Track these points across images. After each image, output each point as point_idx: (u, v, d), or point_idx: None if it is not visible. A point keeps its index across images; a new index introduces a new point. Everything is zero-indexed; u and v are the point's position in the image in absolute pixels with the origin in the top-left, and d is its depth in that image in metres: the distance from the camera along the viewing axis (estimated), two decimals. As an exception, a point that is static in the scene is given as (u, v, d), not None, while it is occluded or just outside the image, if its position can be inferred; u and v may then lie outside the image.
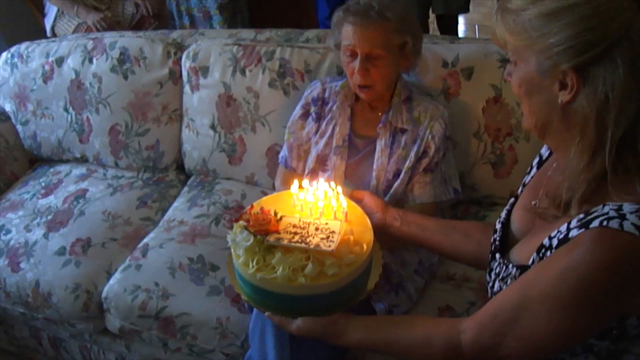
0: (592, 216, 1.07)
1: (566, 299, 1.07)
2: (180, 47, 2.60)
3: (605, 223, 1.03)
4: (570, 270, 1.06)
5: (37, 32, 3.97)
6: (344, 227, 1.47)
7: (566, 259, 1.07)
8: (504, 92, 2.09)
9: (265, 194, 2.36)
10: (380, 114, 2.00)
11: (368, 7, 1.85)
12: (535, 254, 1.17)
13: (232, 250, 1.47)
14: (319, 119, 2.09)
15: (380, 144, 1.97)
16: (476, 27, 5.43)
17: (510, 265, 1.25)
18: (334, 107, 2.06)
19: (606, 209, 1.06)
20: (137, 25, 4.01)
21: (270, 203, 1.56)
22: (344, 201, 1.54)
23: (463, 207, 2.25)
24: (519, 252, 1.27)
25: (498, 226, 1.40)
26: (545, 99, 1.14)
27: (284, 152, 2.16)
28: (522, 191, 1.42)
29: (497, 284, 1.29)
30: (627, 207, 1.04)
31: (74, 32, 3.83)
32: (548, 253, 1.13)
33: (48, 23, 4.05)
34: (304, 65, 2.33)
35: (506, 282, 1.25)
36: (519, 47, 1.14)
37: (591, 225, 1.05)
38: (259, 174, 2.48)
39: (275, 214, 1.48)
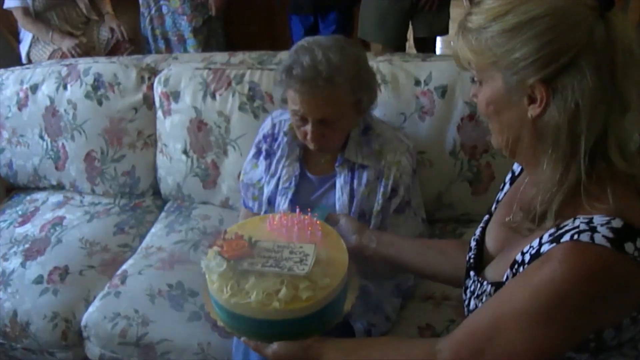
0: (563, 230, 1.06)
1: (540, 315, 1.06)
2: (154, 72, 2.59)
3: (576, 237, 1.03)
4: (542, 286, 1.04)
5: (11, 59, 3.95)
6: (318, 250, 1.46)
7: (538, 274, 1.06)
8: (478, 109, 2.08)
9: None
10: (336, 150, 1.88)
11: (315, 74, 1.66)
12: (509, 270, 1.16)
13: (206, 276, 1.46)
14: (269, 156, 1.97)
15: (339, 182, 1.86)
16: (452, 44, 5.46)
17: (485, 282, 1.24)
18: (283, 145, 1.94)
19: (577, 222, 1.05)
20: (113, 50, 4.03)
21: (244, 228, 1.55)
22: (317, 224, 1.53)
23: (440, 225, 2.26)
24: (494, 269, 1.27)
25: (473, 244, 1.39)
26: (515, 116, 1.13)
27: (242, 193, 2.10)
28: (495, 208, 1.41)
29: (472, 302, 1.28)
30: (597, 220, 1.04)
31: (49, 58, 3.84)
32: (521, 269, 1.12)
33: (23, 49, 4.06)
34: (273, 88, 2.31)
35: (481, 299, 1.24)
36: (483, 66, 1.13)
37: (562, 240, 1.04)
38: (233, 197, 2.47)
39: (250, 238, 1.47)
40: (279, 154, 1.95)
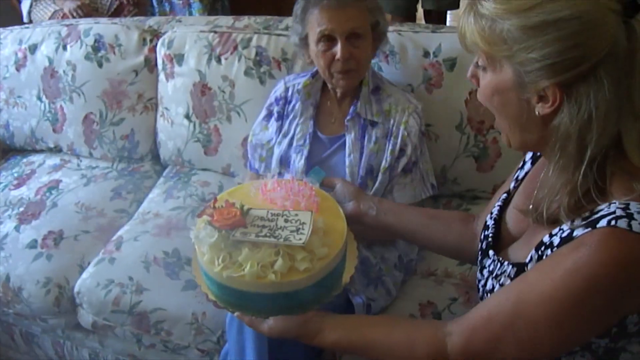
0: (598, 215, 1.02)
1: (569, 301, 1.02)
2: (156, 34, 2.55)
3: (613, 222, 0.99)
4: (575, 272, 1.01)
5: (13, 19, 3.87)
6: (315, 218, 1.36)
7: (570, 259, 1.02)
8: (489, 80, 2.04)
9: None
10: (347, 107, 1.94)
11: None
12: (533, 252, 1.12)
13: (196, 247, 1.37)
14: (281, 118, 2.03)
15: (350, 138, 1.91)
16: (460, 22, 5.39)
17: (506, 263, 1.20)
18: (297, 106, 2.00)
19: (612, 207, 1.01)
20: (116, 12, 3.95)
21: (235, 195, 1.45)
22: (313, 190, 1.45)
23: (445, 201, 2.22)
24: (516, 250, 1.23)
25: (490, 222, 1.34)
26: (521, 111, 1.10)
27: (249, 155, 2.12)
28: (514, 187, 1.36)
29: (489, 282, 1.24)
30: (634, 207, 1.00)
31: (50, 18, 3.76)
32: (548, 252, 1.08)
33: (24, 9, 3.98)
34: (281, 53, 2.28)
35: (500, 280, 1.20)
36: (493, 55, 1.08)
37: (598, 225, 1.01)
38: (235, 164, 2.44)
39: (242, 206, 1.36)
40: (292, 114, 2.00)
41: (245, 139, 2.32)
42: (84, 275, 2.12)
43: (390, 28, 2.14)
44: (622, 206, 1.00)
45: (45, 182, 2.54)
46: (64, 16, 3.71)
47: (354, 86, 1.92)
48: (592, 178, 1.04)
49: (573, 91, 1.02)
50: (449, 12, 3.98)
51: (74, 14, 3.68)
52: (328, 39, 1.81)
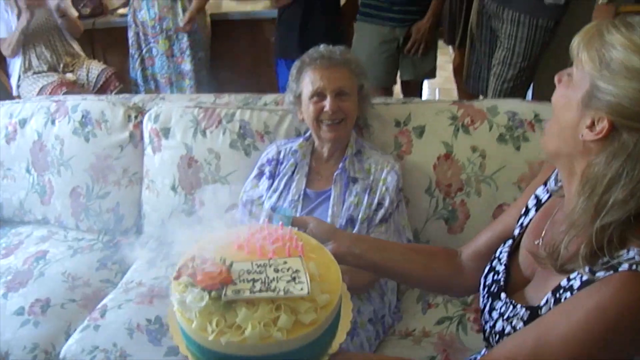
0: (617, 260, 1.07)
1: (591, 342, 1.05)
2: (140, 111, 2.67)
3: (634, 267, 1.04)
4: (597, 313, 1.04)
5: (2, 94, 4.13)
6: (306, 263, 1.24)
7: (592, 301, 1.05)
8: (454, 149, 2.19)
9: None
10: (334, 165, 2.16)
11: (331, 52, 2.16)
12: (550, 295, 1.16)
13: (178, 315, 1.19)
14: (272, 177, 2.22)
15: (335, 192, 2.10)
16: (437, 90, 5.59)
17: (519, 306, 1.23)
18: (288, 165, 2.20)
19: (631, 253, 1.07)
20: (102, 88, 4.19)
21: (209, 249, 1.26)
22: (293, 232, 1.33)
23: None
24: (529, 292, 1.27)
25: (502, 268, 1.37)
26: (572, 123, 1.16)
27: (237, 213, 2.23)
28: (520, 233, 1.40)
29: (499, 324, 1.27)
30: None
31: (38, 93, 3.99)
32: (567, 294, 1.12)
33: (13, 83, 4.22)
34: (263, 126, 2.41)
35: (511, 322, 1.23)
36: (585, 70, 1.14)
37: (620, 269, 1.05)
38: None
39: (223, 260, 1.21)
40: (283, 173, 2.20)
41: (230, 209, 2.39)
42: (70, 341, 2.17)
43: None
44: None
45: (33, 253, 2.60)
46: (52, 91, 3.92)
47: (339, 138, 2.14)
48: (613, 229, 1.09)
49: (620, 135, 1.09)
50: (425, 81, 4.16)
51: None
52: (319, 95, 2.11)
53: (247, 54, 4.45)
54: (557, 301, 1.14)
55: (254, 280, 1.19)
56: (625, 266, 1.05)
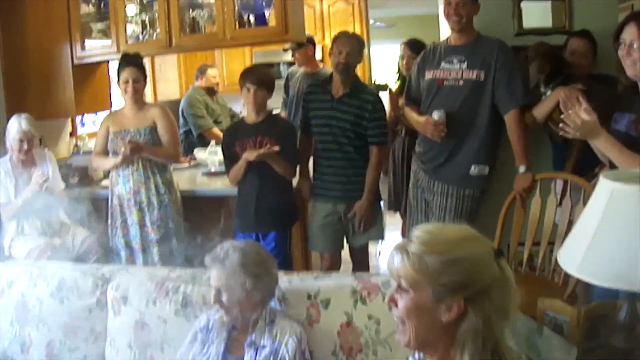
0: None
1: None
2: (106, 281, 3.10)
3: None
4: None
5: None
6: None
7: None
8: (354, 317, 2.62)
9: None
10: (248, 334, 2.52)
11: (217, 254, 2.55)
12: None
13: None
14: (203, 343, 2.59)
15: (247, 357, 2.47)
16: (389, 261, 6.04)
17: None
18: (213, 332, 2.60)
19: None
20: (84, 253, 4.55)
21: None
22: None
23: None
24: None
25: None
26: (431, 320, 1.57)
27: None
28: None
29: None
30: None
31: (26, 255, 4.35)
32: None
33: (5, 243, 4.56)
34: (202, 299, 2.85)
35: None
36: (418, 280, 1.57)
37: None
38: None
39: None
40: (209, 340, 2.58)
41: None
42: None
43: (286, 278, 2.78)
44: None
45: None
46: (38, 254, 4.28)
47: (237, 322, 2.55)
48: None
49: (475, 302, 1.54)
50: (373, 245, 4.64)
51: None
52: (217, 290, 2.54)
53: (213, 225, 4.56)
54: None
55: None
56: None
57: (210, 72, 6.84)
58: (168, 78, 7.05)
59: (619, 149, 2.66)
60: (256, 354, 2.48)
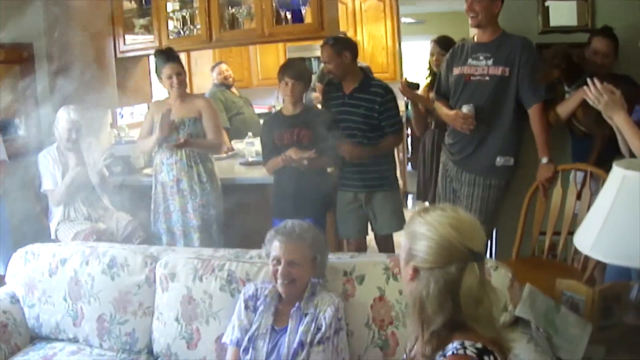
0: (446, 350, 1.71)
1: None
2: (155, 259, 3.32)
3: (454, 352, 1.69)
4: None
5: (43, 235, 4.72)
6: None
7: None
8: (386, 292, 2.83)
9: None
10: (292, 305, 2.75)
11: (292, 229, 2.77)
12: None
13: None
14: (254, 310, 2.82)
15: (291, 324, 2.71)
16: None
17: None
18: (263, 305, 2.80)
19: (455, 344, 1.71)
20: (127, 237, 4.76)
21: None
22: None
23: None
24: None
25: None
26: (404, 272, 1.88)
27: (230, 335, 2.83)
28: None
29: None
30: (467, 343, 1.70)
31: (73, 238, 4.58)
32: None
33: (52, 227, 4.81)
34: (245, 275, 3.07)
35: None
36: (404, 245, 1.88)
37: (447, 354, 1.70)
38: (209, 357, 3.06)
39: None
40: (260, 308, 2.79)
41: (218, 338, 3.03)
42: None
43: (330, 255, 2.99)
44: (459, 344, 1.73)
45: None
46: (84, 237, 4.49)
47: (290, 293, 2.75)
48: (437, 335, 1.75)
49: (420, 275, 1.79)
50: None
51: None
52: (277, 260, 2.74)
53: (252, 212, 4.95)
54: None
55: None
56: (449, 352, 1.71)
57: (222, 67, 7.14)
58: (204, 72, 7.26)
59: (634, 131, 2.85)
60: (299, 322, 2.71)
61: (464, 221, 1.82)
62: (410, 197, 8.03)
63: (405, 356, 2.02)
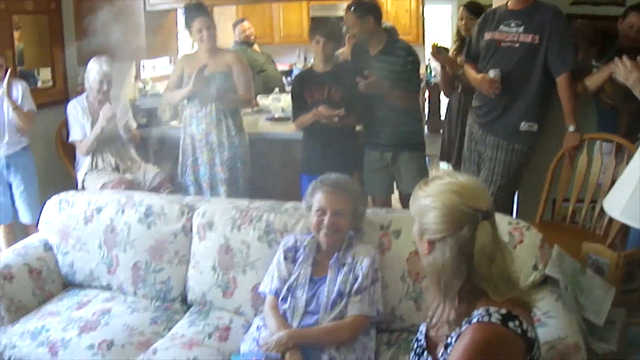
0: (472, 317, 1.75)
1: None
2: (191, 209, 3.39)
3: (479, 319, 1.72)
4: (466, 347, 1.70)
5: (69, 184, 4.76)
6: None
7: (462, 343, 1.72)
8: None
9: (247, 322, 3.10)
10: (331, 256, 2.83)
11: (337, 181, 2.88)
12: (443, 349, 1.83)
13: None
14: (287, 259, 2.90)
15: (330, 275, 2.79)
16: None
17: (430, 358, 1.94)
18: (302, 256, 2.88)
19: (478, 311, 1.75)
20: (155, 189, 4.84)
21: None
22: None
23: (397, 333, 2.95)
24: (437, 351, 1.92)
25: (422, 337, 2.06)
26: (421, 248, 1.92)
27: (269, 284, 2.90)
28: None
29: None
30: (491, 309, 1.73)
31: (100, 187, 4.63)
32: (450, 347, 1.79)
33: (80, 177, 4.88)
34: (283, 226, 3.13)
35: None
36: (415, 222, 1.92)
37: (472, 321, 1.73)
38: (244, 305, 3.17)
39: None
40: (299, 260, 2.87)
41: (254, 287, 3.09)
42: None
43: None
44: (484, 310, 1.77)
45: (100, 309, 3.24)
46: (112, 187, 4.54)
47: (331, 244, 2.82)
48: (459, 301, 1.85)
49: (435, 246, 1.83)
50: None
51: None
52: (322, 211, 2.82)
53: (278, 167, 5.06)
54: (445, 349, 1.83)
55: None
56: (475, 319, 1.75)
57: (245, 25, 7.11)
58: (227, 29, 7.26)
59: None
60: (338, 273, 2.80)
61: (464, 184, 1.86)
62: (427, 159, 8.08)
63: (426, 324, 2.08)
